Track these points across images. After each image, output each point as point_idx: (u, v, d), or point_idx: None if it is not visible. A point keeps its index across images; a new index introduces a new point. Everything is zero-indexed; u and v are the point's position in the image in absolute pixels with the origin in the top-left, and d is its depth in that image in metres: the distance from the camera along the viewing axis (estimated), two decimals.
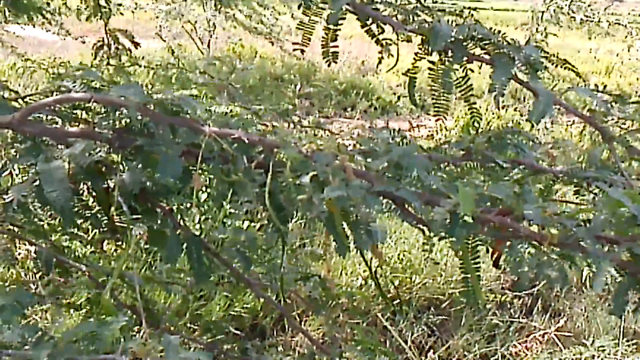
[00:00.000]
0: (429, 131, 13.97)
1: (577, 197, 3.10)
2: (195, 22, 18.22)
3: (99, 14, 6.99)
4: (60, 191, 2.64)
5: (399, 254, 8.17)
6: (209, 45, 18.90)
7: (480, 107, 11.37)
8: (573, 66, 3.21)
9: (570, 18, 11.70)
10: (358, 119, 16.93)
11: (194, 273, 3.11)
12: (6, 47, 9.28)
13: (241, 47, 20.37)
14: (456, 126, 14.19)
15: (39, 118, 3.01)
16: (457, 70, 3.11)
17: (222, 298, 7.10)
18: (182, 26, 18.28)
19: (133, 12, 13.29)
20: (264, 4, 16.29)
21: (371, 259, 3.00)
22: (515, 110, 16.29)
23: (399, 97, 18.65)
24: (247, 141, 2.65)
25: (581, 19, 11.18)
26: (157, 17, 17.75)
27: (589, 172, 3.04)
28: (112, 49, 7.23)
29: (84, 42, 9.80)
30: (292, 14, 15.80)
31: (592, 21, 11.32)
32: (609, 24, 11.59)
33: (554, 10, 12.60)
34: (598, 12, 12.15)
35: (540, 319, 7.79)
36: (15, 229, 3.96)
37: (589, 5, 12.91)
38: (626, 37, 12.79)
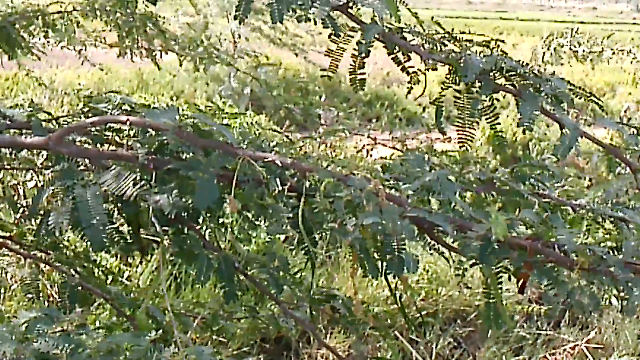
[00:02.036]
0: (456, 142, 13.91)
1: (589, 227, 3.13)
2: (220, 34, 18.24)
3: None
4: (98, 223, 2.69)
5: (424, 266, 8.16)
6: (233, 57, 18.94)
7: (507, 117, 11.32)
8: (598, 98, 3.23)
9: (574, 53, 11.74)
10: (383, 130, 16.95)
11: (223, 292, 3.15)
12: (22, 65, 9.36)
13: (266, 58, 20.42)
14: (482, 136, 14.16)
15: (71, 139, 3.06)
16: (485, 100, 3.13)
17: (247, 310, 7.11)
18: (207, 38, 18.27)
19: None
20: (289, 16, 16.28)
21: (396, 284, 3.02)
22: (541, 121, 16.23)
23: (424, 109, 18.67)
24: (280, 164, 2.69)
25: (584, 51, 11.21)
26: (180, 29, 17.77)
27: (606, 208, 3.05)
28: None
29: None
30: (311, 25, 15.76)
31: (594, 52, 11.33)
32: (613, 53, 11.61)
33: (555, 49, 12.64)
34: (601, 42, 12.18)
35: (569, 331, 7.75)
36: (43, 255, 4.01)
37: (589, 39, 12.96)
38: (631, 62, 12.77)
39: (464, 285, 7.99)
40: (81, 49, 8.88)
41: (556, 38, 12.92)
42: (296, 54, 16.31)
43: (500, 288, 2.72)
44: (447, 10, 69.60)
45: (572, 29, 13.02)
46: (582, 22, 54.24)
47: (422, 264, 8.12)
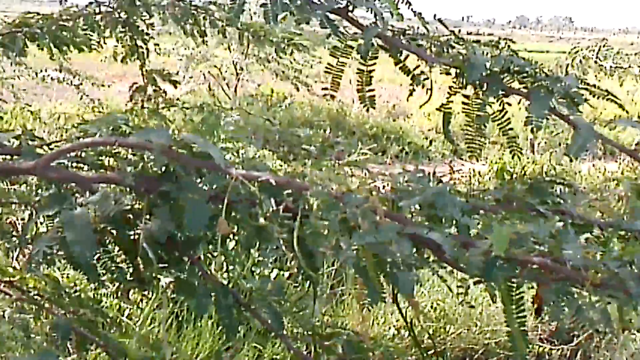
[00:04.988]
0: (463, 175, 13.92)
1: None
2: (222, 65, 18.34)
3: (135, 55, 6.96)
4: (84, 243, 2.63)
5: (432, 303, 8.12)
6: (235, 90, 19.02)
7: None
8: (615, 97, 3.12)
9: (599, 67, 11.68)
10: (389, 164, 16.95)
11: (223, 326, 3.09)
12: (15, 95, 9.40)
13: (269, 90, 20.52)
14: (490, 170, 14.17)
15: (63, 164, 3.03)
16: (493, 103, 3.05)
17: (250, 348, 7.07)
18: (209, 71, 18.40)
19: (159, 54, 13.36)
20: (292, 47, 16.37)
21: (406, 309, 2.95)
22: (551, 154, 16.24)
23: (431, 142, 18.70)
24: (274, 184, 2.63)
25: (611, 66, 11.15)
26: (180, 61, 17.89)
27: (635, 224, 2.95)
28: (147, 92, 7.27)
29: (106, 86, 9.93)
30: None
31: (622, 68, 11.27)
32: None
33: (580, 61, 12.61)
34: (628, 58, 12.13)
35: None
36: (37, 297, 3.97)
37: (617, 53, 12.92)
38: None
39: (472, 323, 7.94)
40: (80, 84, 8.91)
41: (581, 50, 12.91)
42: (297, 89, 16.39)
43: (521, 312, 2.63)
44: None
45: (600, 44, 13.01)
46: None
47: (429, 302, 8.10)
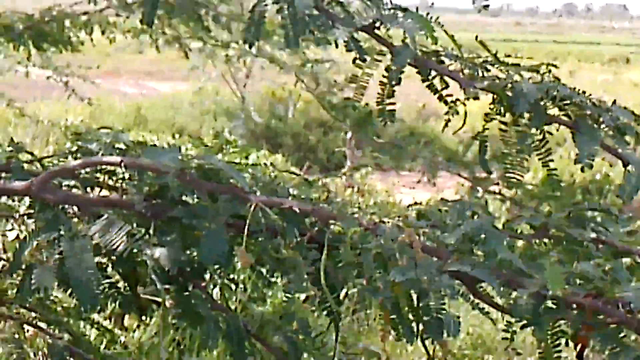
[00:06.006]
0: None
1: None
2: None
3: None
4: (89, 280, 2.67)
5: (468, 330, 8.09)
6: (244, 88, 18.97)
7: (561, 157, 11.32)
8: None
9: None
10: (419, 171, 16.88)
11: (232, 356, 3.10)
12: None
13: (282, 89, 20.44)
14: (534, 178, 14.09)
15: (57, 184, 3.05)
16: (535, 134, 3.08)
17: None
18: (215, 66, 18.36)
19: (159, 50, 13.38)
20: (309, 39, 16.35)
21: (434, 348, 2.98)
22: (602, 159, 16.14)
23: (467, 147, 18.59)
24: (298, 211, 2.67)
25: None
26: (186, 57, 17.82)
27: None
28: None
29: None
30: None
31: None
32: None
33: None
34: None
35: None
36: (26, 313, 3.98)
37: None
38: None
39: (513, 352, 7.91)
40: (67, 81, 8.93)
41: None
42: (319, 84, 16.30)
43: (559, 354, 2.67)
44: (493, 32, 69.97)
45: None
46: None
47: (464, 327, 8.06)
